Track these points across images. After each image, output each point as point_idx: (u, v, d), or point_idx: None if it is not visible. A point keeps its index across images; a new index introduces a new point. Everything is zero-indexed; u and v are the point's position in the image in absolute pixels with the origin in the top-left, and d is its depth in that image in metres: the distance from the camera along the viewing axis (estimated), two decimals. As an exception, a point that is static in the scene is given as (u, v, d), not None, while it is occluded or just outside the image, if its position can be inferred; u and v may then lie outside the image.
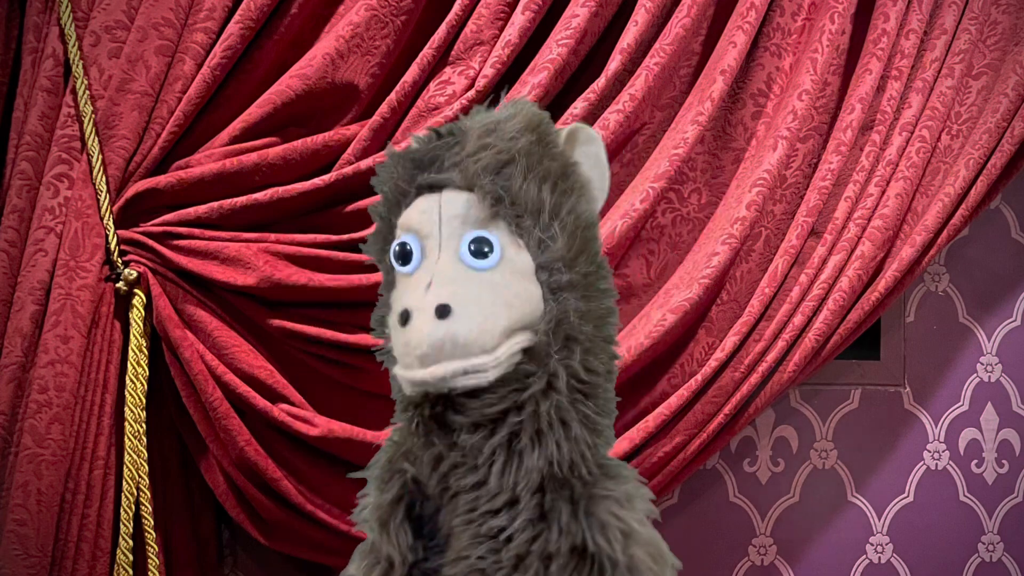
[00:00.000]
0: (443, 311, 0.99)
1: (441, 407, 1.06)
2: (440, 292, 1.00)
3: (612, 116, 2.00)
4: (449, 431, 1.06)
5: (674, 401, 2.05)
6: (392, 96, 1.96)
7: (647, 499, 1.09)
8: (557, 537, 1.02)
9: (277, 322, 1.94)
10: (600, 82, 1.99)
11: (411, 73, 1.96)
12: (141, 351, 1.91)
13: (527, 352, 1.04)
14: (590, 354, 1.06)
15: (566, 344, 1.04)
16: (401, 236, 1.07)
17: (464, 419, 1.04)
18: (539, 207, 1.04)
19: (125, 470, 1.91)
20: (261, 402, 1.92)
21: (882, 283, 2.11)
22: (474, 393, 1.03)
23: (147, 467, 1.93)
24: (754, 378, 2.08)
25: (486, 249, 1.02)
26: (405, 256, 1.06)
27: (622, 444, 2.04)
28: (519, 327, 1.03)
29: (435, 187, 1.06)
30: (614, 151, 2.07)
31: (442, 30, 1.98)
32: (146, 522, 1.93)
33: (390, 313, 1.07)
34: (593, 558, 1.02)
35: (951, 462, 2.42)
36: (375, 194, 1.14)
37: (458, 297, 1.00)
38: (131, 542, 1.92)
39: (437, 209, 1.05)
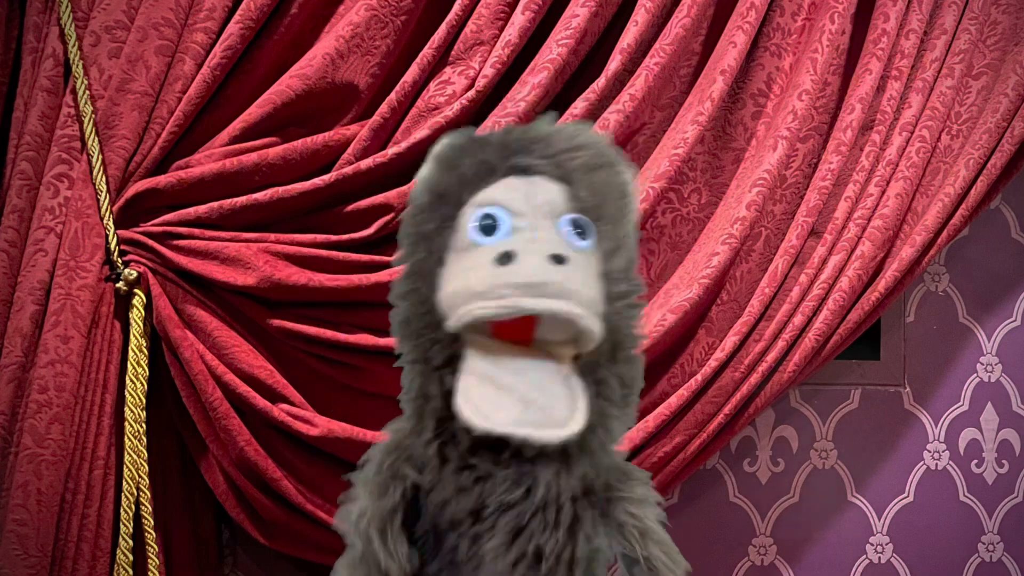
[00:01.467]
0: (559, 259, 0.98)
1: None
2: (552, 246, 0.99)
3: (612, 116, 2.00)
4: (497, 450, 1.03)
5: (674, 401, 2.05)
6: (392, 96, 1.96)
7: (656, 502, 1.12)
8: (583, 543, 1.03)
9: (277, 322, 1.94)
10: (600, 82, 1.99)
11: (411, 73, 1.96)
12: (141, 351, 1.91)
13: (574, 357, 1.03)
14: (628, 364, 1.08)
15: (613, 353, 1.05)
16: (486, 209, 1.03)
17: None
18: (616, 217, 1.06)
19: (125, 470, 1.91)
20: (261, 402, 1.92)
21: (882, 283, 2.11)
22: None
23: (147, 467, 1.93)
24: (754, 378, 2.08)
25: (585, 231, 1.03)
26: (489, 228, 1.02)
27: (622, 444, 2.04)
28: (597, 314, 1.02)
29: (526, 171, 1.05)
30: (614, 151, 2.07)
31: (442, 30, 1.98)
32: (146, 522, 1.93)
33: (441, 289, 1.03)
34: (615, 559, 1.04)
35: (951, 462, 2.42)
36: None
37: (570, 255, 0.99)
38: (131, 542, 1.92)
39: (531, 191, 1.04)
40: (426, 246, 1.07)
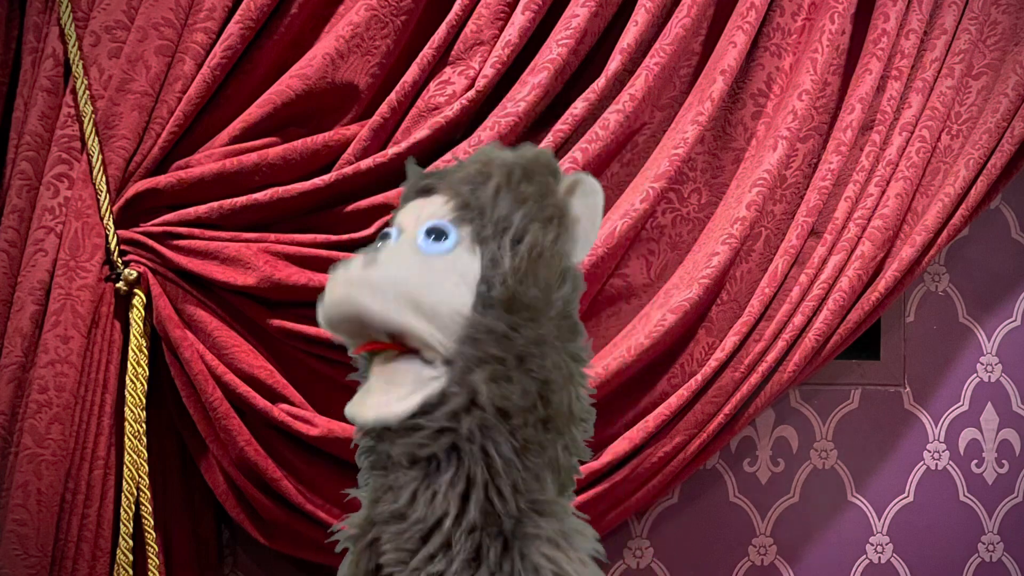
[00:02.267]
0: (370, 261, 1.03)
1: (375, 440, 1.08)
2: (379, 255, 1.04)
3: (612, 116, 2.00)
4: (383, 467, 1.08)
5: (674, 401, 2.05)
6: (392, 96, 1.96)
7: (591, 538, 1.08)
8: None
9: (277, 322, 1.94)
10: (600, 82, 1.99)
11: (411, 73, 1.96)
12: (141, 351, 1.91)
13: (449, 366, 1.03)
14: (510, 382, 1.03)
15: (487, 365, 1.02)
16: (387, 229, 1.11)
17: (393, 447, 1.05)
18: (505, 223, 1.06)
19: (125, 470, 1.91)
20: (261, 402, 1.92)
21: (882, 283, 2.11)
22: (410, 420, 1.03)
23: (147, 467, 1.93)
24: (754, 378, 2.08)
25: (439, 237, 1.05)
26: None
27: (622, 444, 2.04)
28: (439, 318, 1.02)
29: (427, 191, 1.11)
30: (614, 151, 2.07)
31: (442, 30, 1.98)
32: (146, 522, 1.93)
33: None
34: None
35: (951, 462, 2.42)
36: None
37: (388, 256, 1.04)
38: (131, 542, 1.92)
39: (420, 207, 1.09)
40: None
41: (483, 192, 1.06)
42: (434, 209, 1.08)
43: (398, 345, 1.04)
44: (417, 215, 1.08)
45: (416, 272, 1.03)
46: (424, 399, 1.02)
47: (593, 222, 1.13)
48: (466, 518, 1.02)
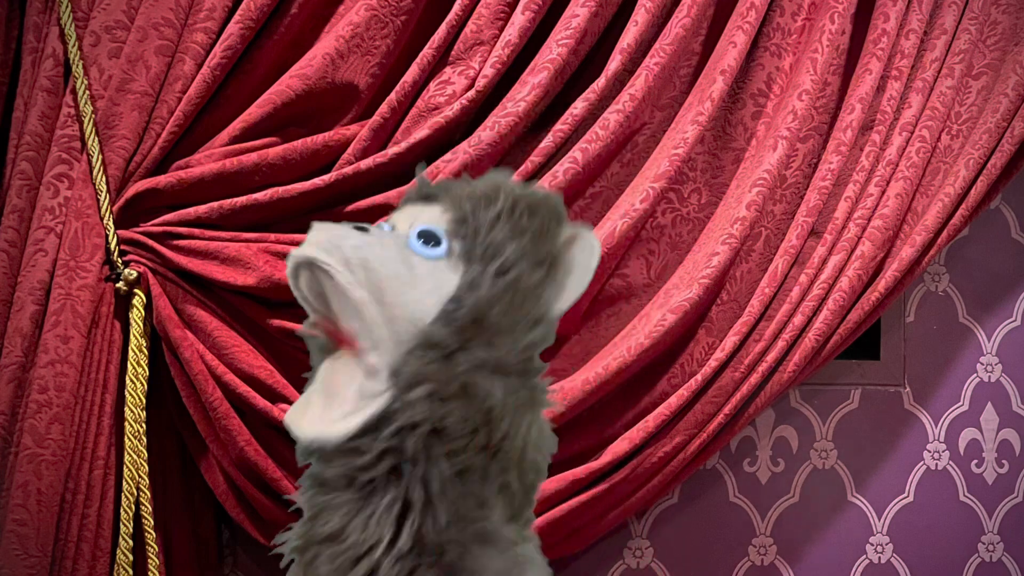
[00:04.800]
0: (360, 227, 1.00)
1: (318, 464, 1.03)
2: (365, 235, 1.01)
3: (612, 116, 2.00)
4: (320, 484, 1.03)
5: (674, 401, 2.05)
6: (392, 96, 1.96)
7: (541, 567, 1.05)
8: None
9: (277, 322, 1.94)
10: (600, 82, 2.00)
11: (411, 73, 1.96)
12: (141, 351, 1.91)
13: (394, 379, 0.99)
14: (448, 405, 0.98)
15: (427, 380, 0.98)
16: (381, 223, 1.09)
17: (328, 468, 1.01)
18: (495, 253, 1.02)
19: (125, 470, 1.91)
20: (261, 402, 1.92)
21: (882, 283, 2.11)
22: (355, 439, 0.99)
23: (147, 467, 1.93)
24: (754, 378, 2.08)
25: (429, 241, 1.03)
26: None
27: (622, 444, 2.04)
28: (395, 318, 0.99)
29: (428, 199, 1.09)
30: (614, 151, 2.07)
31: (442, 30, 1.98)
32: (146, 522, 1.93)
33: None
34: None
35: (951, 462, 2.42)
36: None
37: (376, 238, 1.01)
38: (131, 542, 1.92)
39: (418, 211, 1.07)
40: None
41: (484, 213, 1.03)
42: (431, 215, 1.05)
43: (345, 340, 1.01)
44: (413, 218, 1.06)
45: (394, 264, 1.00)
46: (365, 420, 0.97)
47: (583, 279, 1.09)
48: (397, 545, 0.98)
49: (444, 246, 1.03)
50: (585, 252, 1.08)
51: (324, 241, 0.99)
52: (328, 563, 1.01)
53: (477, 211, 1.04)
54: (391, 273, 1.00)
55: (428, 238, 1.03)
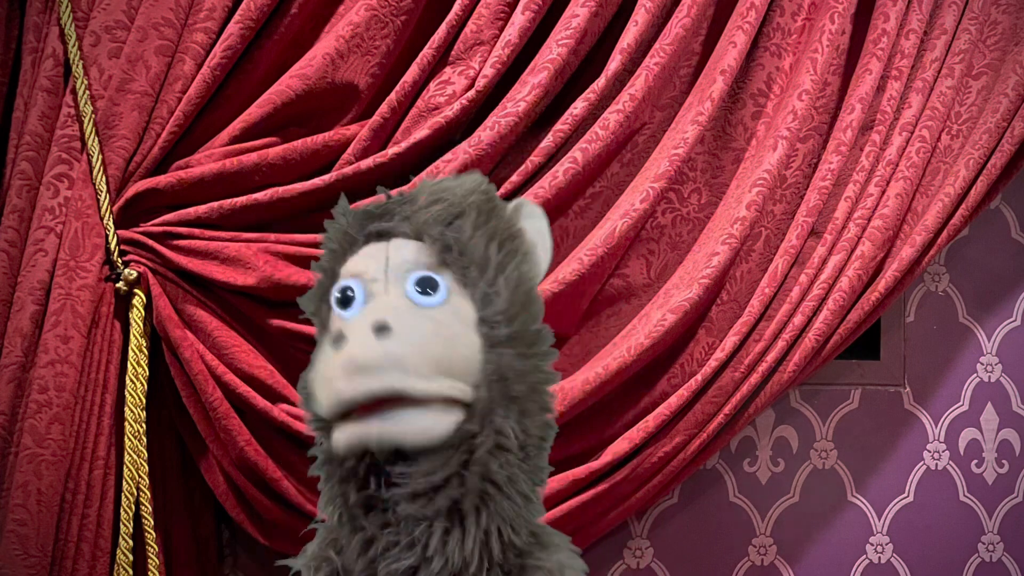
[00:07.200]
0: (382, 329, 0.94)
1: (374, 483, 1.01)
2: (379, 314, 0.96)
3: (612, 116, 2.00)
4: (381, 511, 1.01)
5: (674, 401, 2.05)
6: (392, 96, 1.96)
7: (580, 571, 1.07)
8: None
9: (277, 322, 1.94)
10: (600, 82, 2.00)
11: (411, 73, 1.96)
12: (141, 351, 1.91)
13: (468, 410, 0.99)
14: (526, 416, 1.02)
15: (506, 403, 1.01)
16: (344, 281, 1.04)
17: (402, 491, 0.99)
18: (486, 261, 1.03)
19: (125, 470, 1.91)
20: (261, 402, 1.92)
21: (882, 283, 2.11)
22: (415, 459, 0.98)
23: (147, 467, 1.93)
24: (754, 378, 2.08)
25: (432, 288, 1.01)
26: (347, 301, 1.02)
27: (622, 444, 2.04)
28: (457, 371, 0.98)
29: (384, 235, 1.05)
30: (614, 151, 2.07)
31: (442, 30, 1.98)
32: (146, 522, 1.93)
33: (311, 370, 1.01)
34: None
35: (951, 462, 2.42)
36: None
37: (398, 320, 0.96)
38: (131, 542, 1.92)
39: (385, 254, 1.03)
40: (318, 322, 1.09)
41: (460, 233, 1.03)
42: (408, 255, 1.02)
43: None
44: (384, 263, 1.02)
45: (432, 331, 0.97)
46: (452, 425, 0.98)
47: (544, 245, 1.11)
48: (489, 561, 0.99)
49: (443, 285, 1.01)
50: (534, 219, 1.10)
51: (367, 364, 0.93)
52: None
53: (453, 234, 1.03)
54: (436, 340, 0.97)
55: (427, 284, 1.01)
